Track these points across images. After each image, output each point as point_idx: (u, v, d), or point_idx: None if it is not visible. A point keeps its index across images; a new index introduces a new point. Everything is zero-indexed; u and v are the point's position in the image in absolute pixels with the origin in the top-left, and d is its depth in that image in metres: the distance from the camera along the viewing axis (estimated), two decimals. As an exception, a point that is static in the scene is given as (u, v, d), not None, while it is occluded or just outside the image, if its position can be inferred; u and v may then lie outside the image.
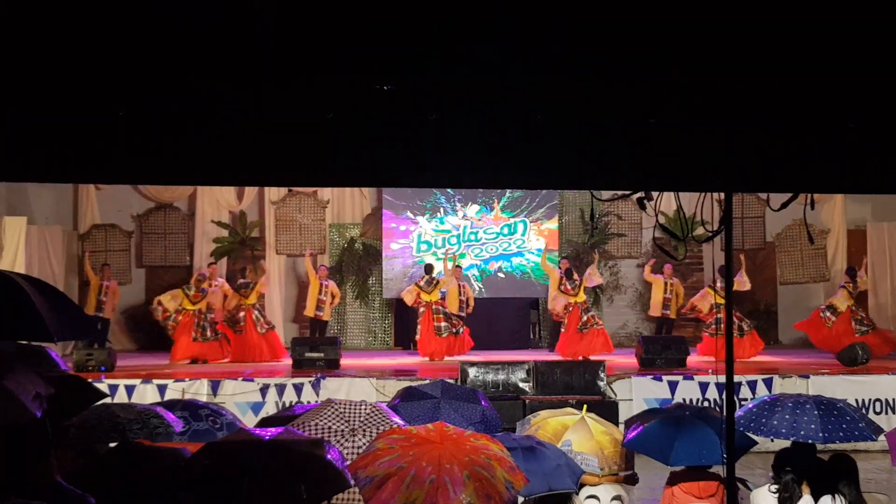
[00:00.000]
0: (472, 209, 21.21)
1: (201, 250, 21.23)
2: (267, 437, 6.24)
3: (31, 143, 5.00)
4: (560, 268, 19.17)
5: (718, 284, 15.38)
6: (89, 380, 7.96)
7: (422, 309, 18.93)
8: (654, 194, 6.48)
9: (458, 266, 20.00)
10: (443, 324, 18.74)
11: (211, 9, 4.73)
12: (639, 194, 6.57)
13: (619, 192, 7.00)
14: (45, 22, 4.69)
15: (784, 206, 6.41)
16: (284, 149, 5.15)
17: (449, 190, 20.90)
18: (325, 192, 21.66)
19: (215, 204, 21.41)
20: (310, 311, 19.53)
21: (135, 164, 5.12)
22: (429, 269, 19.43)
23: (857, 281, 18.99)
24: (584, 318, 18.32)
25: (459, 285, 19.44)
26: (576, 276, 18.78)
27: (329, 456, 6.14)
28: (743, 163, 5.37)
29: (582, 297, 18.66)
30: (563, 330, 18.58)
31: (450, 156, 5.20)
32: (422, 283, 19.09)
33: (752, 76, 5.09)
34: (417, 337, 19.04)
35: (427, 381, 11.27)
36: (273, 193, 21.48)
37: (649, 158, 5.33)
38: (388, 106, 4.99)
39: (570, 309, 18.44)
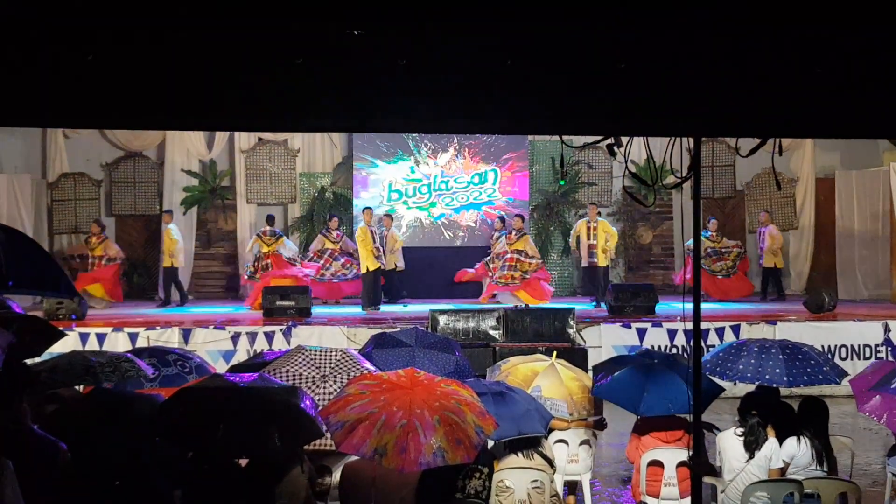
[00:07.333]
0: (443, 157, 21.12)
1: (171, 199, 21.08)
2: (242, 384, 6.26)
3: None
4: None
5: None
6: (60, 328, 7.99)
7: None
8: (624, 140, 6.50)
9: (386, 216, 19.96)
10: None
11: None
12: (609, 140, 6.59)
13: (590, 139, 7.01)
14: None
15: (753, 151, 6.44)
16: (255, 93, 5.13)
17: (418, 137, 20.80)
18: (296, 141, 21.52)
19: (185, 153, 21.23)
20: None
21: (103, 107, 5.10)
22: (269, 220, 19.60)
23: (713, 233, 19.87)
24: None
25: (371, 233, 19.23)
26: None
27: (303, 404, 6.18)
28: (711, 107, 5.40)
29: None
30: None
31: (420, 101, 5.20)
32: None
33: (720, 22, 5.10)
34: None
35: (399, 329, 11.29)
36: (243, 142, 21.34)
37: (619, 104, 5.35)
38: (359, 51, 4.97)
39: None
